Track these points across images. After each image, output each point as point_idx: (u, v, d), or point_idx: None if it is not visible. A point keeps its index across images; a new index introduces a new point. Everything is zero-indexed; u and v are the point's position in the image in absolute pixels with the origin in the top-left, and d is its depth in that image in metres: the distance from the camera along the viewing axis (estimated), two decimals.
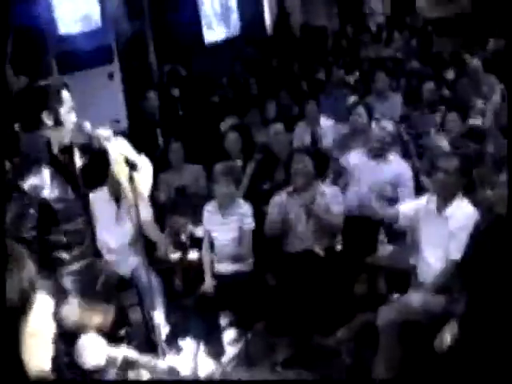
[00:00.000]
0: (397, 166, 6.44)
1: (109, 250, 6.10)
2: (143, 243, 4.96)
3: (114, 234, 6.13)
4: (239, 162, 7.14)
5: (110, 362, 2.35)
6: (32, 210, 3.85)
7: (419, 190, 6.33)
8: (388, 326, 4.82)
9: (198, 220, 6.48)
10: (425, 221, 5.20)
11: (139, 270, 5.98)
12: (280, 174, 6.98)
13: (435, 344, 4.51)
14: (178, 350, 5.76)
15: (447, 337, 4.48)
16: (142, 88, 9.13)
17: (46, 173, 3.93)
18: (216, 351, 5.70)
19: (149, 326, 5.75)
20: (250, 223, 5.94)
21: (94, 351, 2.33)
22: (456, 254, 4.84)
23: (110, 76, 8.90)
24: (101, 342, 2.32)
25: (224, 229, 5.98)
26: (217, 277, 5.90)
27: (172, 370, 2.43)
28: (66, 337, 2.64)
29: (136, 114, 9.08)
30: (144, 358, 2.42)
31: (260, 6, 15.75)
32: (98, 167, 4.12)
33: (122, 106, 9.18)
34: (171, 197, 7.27)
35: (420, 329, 4.76)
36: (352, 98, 9.06)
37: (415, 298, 4.89)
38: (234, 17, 14.12)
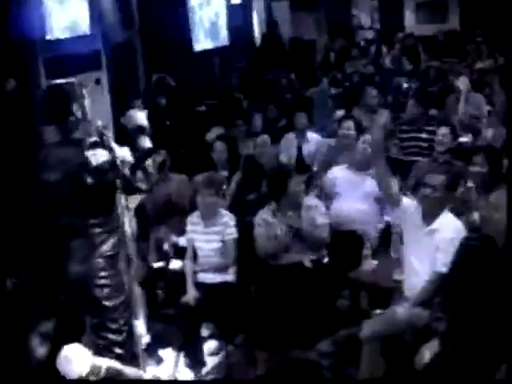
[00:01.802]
0: None
1: None
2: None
3: None
4: (225, 173, 7.12)
5: (94, 371, 2.31)
6: None
7: None
8: (371, 338, 4.81)
9: (181, 230, 6.46)
10: (411, 234, 5.19)
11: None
12: (266, 186, 6.96)
13: (415, 359, 4.49)
14: (159, 360, 5.71)
15: (427, 353, 4.46)
16: (129, 95, 9.12)
17: None
18: (196, 362, 5.65)
19: (129, 336, 5.70)
20: (232, 233, 5.92)
21: (77, 361, 2.29)
22: (442, 267, 4.84)
23: (97, 82, 8.87)
24: (84, 351, 2.28)
25: (207, 239, 5.97)
26: (199, 287, 5.86)
27: (155, 382, 2.39)
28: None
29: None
30: (128, 369, 2.38)
31: (249, 17, 15.79)
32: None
33: (109, 113, 9.16)
34: (154, 206, 7.23)
35: (402, 343, 4.74)
36: (339, 112, 9.06)
37: (400, 311, 4.89)
38: (223, 28, 14.13)
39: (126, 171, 4.64)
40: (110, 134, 4.78)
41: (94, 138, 4.52)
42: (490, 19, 14.99)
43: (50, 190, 4.55)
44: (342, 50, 14.85)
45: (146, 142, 4.80)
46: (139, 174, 5.29)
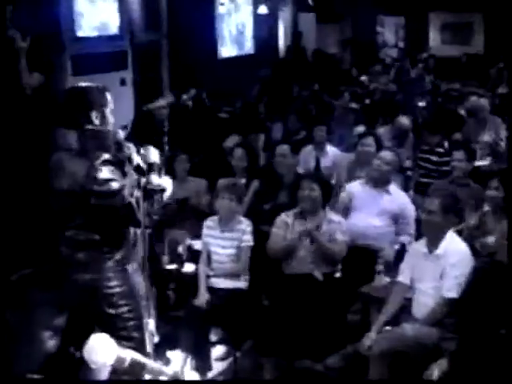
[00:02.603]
0: (398, 198, 6.47)
1: None
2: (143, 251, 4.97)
3: None
4: (243, 180, 7.17)
5: (119, 362, 2.36)
6: None
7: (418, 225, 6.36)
8: (379, 355, 4.83)
9: (196, 233, 6.50)
10: (417, 260, 5.22)
11: (135, 277, 5.97)
12: (283, 196, 7.02)
13: (423, 377, 4.52)
14: (167, 361, 5.74)
15: (436, 371, 4.48)
16: (153, 97, 9.18)
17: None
18: (203, 366, 5.68)
19: (140, 342, 5.75)
20: (248, 241, 5.96)
21: (104, 350, 2.35)
22: (448, 292, 4.88)
23: (123, 82, 8.94)
24: (111, 341, 2.33)
25: (222, 244, 6.00)
26: (211, 291, 5.90)
27: (176, 378, 2.44)
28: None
29: (144, 121, 9.11)
30: (151, 363, 2.43)
31: (274, 28, 15.86)
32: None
33: (131, 113, 9.23)
34: (171, 208, 7.28)
35: (410, 360, 4.76)
36: (360, 128, 9.10)
37: (408, 329, 4.91)
38: (249, 36, 14.22)
39: (132, 200, 4.24)
40: (129, 152, 4.37)
41: (107, 156, 4.14)
42: None
43: (56, 199, 4.32)
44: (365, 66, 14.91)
45: (157, 180, 4.46)
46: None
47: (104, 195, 4.07)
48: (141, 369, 2.40)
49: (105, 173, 4.06)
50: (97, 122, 4.23)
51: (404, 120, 8.94)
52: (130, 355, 2.38)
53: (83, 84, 4.39)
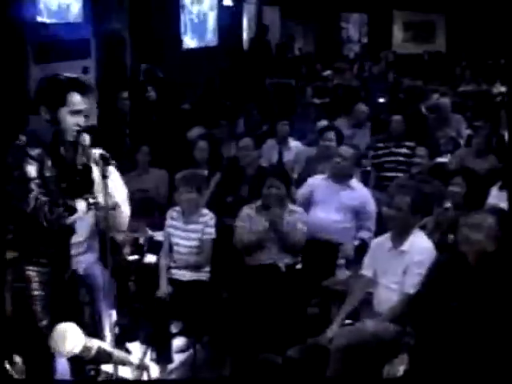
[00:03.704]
0: (360, 194, 6.50)
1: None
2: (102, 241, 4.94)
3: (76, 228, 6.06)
4: (205, 172, 7.15)
5: (85, 351, 2.34)
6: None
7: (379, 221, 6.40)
8: (340, 349, 4.85)
9: (156, 224, 6.48)
10: (381, 254, 5.24)
11: (93, 268, 5.94)
12: (245, 189, 7.02)
13: (384, 372, 4.54)
14: (126, 352, 5.70)
15: (396, 367, 4.51)
16: (116, 86, 9.12)
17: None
18: (164, 358, 5.66)
19: (98, 326, 5.71)
20: (211, 233, 5.95)
21: (71, 340, 2.32)
22: (411, 289, 4.91)
23: (85, 70, 8.86)
24: (78, 331, 2.31)
25: (185, 236, 5.98)
26: (172, 283, 5.88)
27: (142, 367, 2.42)
28: None
29: (106, 111, 9.06)
30: (117, 352, 2.41)
31: (238, 20, 15.83)
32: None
33: (94, 102, 9.16)
34: (132, 199, 7.23)
35: (370, 355, 4.79)
36: (322, 123, 9.14)
37: (369, 324, 4.93)
38: (212, 27, 14.17)
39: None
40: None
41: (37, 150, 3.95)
42: (475, 43, 15.24)
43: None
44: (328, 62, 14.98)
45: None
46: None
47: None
48: (107, 357, 2.38)
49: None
50: (46, 116, 4.03)
51: (362, 107, 9.03)
52: (96, 344, 2.36)
53: (63, 74, 4.09)
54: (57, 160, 4.04)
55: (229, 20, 14.81)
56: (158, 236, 6.35)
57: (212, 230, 5.96)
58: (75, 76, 4.08)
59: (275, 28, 16.74)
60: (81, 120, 4.02)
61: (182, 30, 12.88)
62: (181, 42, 12.66)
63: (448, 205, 5.91)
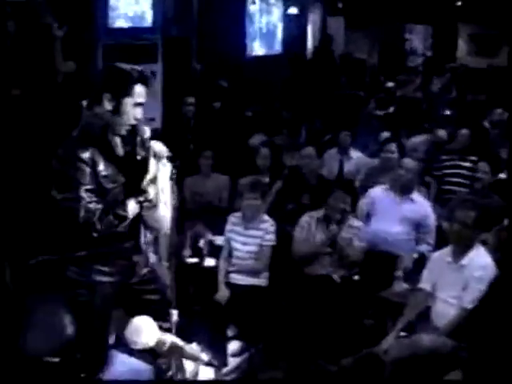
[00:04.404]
0: (421, 207, 6.49)
1: None
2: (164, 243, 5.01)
3: None
4: (267, 179, 7.22)
5: (160, 345, 2.42)
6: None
7: (439, 235, 6.39)
8: (394, 361, 4.87)
9: (216, 229, 6.56)
10: (440, 268, 5.25)
11: (157, 268, 6.04)
12: (306, 197, 7.06)
13: None
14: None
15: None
16: (182, 92, 9.25)
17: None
18: (218, 361, 5.73)
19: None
20: (271, 240, 6.03)
21: (146, 332, 2.40)
22: (470, 304, 4.90)
23: (152, 75, 8.99)
24: (153, 324, 2.38)
25: (245, 241, 6.06)
26: (230, 287, 5.96)
27: (211, 364, 2.49)
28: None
29: (172, 115, 9.19)
30: (188, 347, 2.48)
31: (303, 29, 15.88)
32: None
33: (159, 106, 9.30)
34: (193, 202, 7.37)
35: (424, 369, 4.79)
36: (385, 134, 9.13)
37: (425, 338, 4.94)
38: (278, 37, 14.27)
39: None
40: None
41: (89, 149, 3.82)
42: None
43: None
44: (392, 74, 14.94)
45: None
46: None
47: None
48: (179, 352, 2.46)
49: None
50: (108, 107, 3.87)
51: (442, 133, 8.95)
52: (170, 338, 2.44)
53: (121, 64, 3.98)
54: (112, 155, 3.93)
55: (294, 29, 14.90)
56: (218, 240, 6.44)
57: (272, 237, 6.03)
58: (140, 68, 3.99)
59: (339, 38, 16.76)
60: (140, 112, 3.92)
61: (249, 38, 12.98)
62: (246, 49, 12.76)
63: (506, 223, 5.88)
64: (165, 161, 4.01)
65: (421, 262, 5.80)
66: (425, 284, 5.29)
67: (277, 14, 14.36)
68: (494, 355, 4.40)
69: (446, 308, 5.06)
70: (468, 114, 11.06)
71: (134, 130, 4.01)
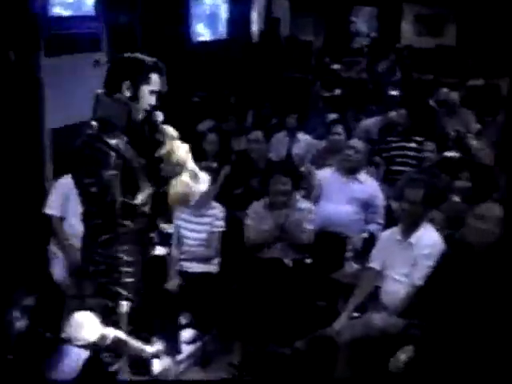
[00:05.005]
0: (369, 187, 6.52)
1: (75, 236, 6.07)
2: None
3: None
4: (215, 164, 7.18)
5: (102, 340, 2.39)
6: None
7: (388, 214, 6.44)
8: (347, 342, 4.90)
9: (166, 217, 6.52)
10: (389, 247, 5.29)
11: None
12: (254, 182, 7.05)
13: (390, 364, 4.59)
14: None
15: (402, 358, 4.56)
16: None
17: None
18: (172, 349, 5.71)
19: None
20: (220, 226, 6.02)
21: (88, 328, 2.37)
22: (419, 281, 4.95)
23: (96, 63, 8.86)
24: (95, 319, 2.35)
25: (194, 228, 6.04)
26: (182, 275, 5.93)
27: (157, 356, 2.47)
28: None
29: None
30: (132, 341, 2.46)
31: (248, 12, 15.81)
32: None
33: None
34: None
35: (377, 348, 4.83)
36: (331, 116, 9.16)
37: (376, 318, 4.98)
38: (223, 21, 14.18)
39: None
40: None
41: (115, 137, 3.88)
42: (485, 37, 15.20)
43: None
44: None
45: None
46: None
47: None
48: (123, 346, 2.43)
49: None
50: (127, 94, 4.02)
51: (393, 114, 8.98)
52: (112, 333, 2.41)
53: (137, 54, 4.19)
54: (133, 139, 4.03)
55: (239, 13, 14.82)
56: (168, 228, 6.39)
57: (222, 223, 6.02)
58: (155, 59, 4.18)
59: (285, 21, 16.73)
60: (154, 100, 4.10)
61: (194, 23, 12.88)
62: (191, 35, 12.66)
63: (455, 198, 5.95)
64: (178, 142, 4.12)
65: (370, 241, 5.84)
66: (374, 263, 5.33)
67: None
68: (445, 331, 4.46)
69: (396, 286, 5.11)
70: (414, 94, 11.14)
71: (149, 116, 4.13)
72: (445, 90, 10.50)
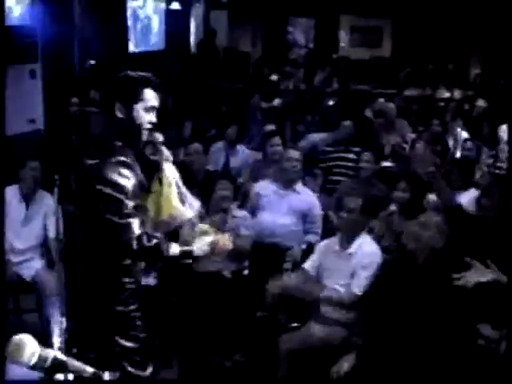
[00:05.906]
0: (306, 197, 6.56)
1: (13, 251, 6.01)
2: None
3: (20, 235, 6.06)
4: None
5: (41, 361, 2.37)
6: None
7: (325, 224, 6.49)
8: (289, 354, 4.93)
9: None
10: (328, 257, 5.33)
11: (41, 275, 5.95)
12: (194, 193, 7.02)
13: (332, 371, 4.63)
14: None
15: (345, 365, 4.62)
16: (63, 91, 9.05)
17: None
18: (113, 364, 5.64)
19: (45, 332, 5.72)
20: None
21: (28, 350, 2.35)
22: (357, 289, 5.01)
23: (32, 74, 8.78)
24: (34, 342, 2.33)
25: None
26: None
27: (97, 375, 2.45)
28: None
29: (54, 115, 8.99)
30: (73, 361, 2.44)
31: (186, 23, 15.82)
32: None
33: (40, 106, 9.06)
34: None
35: (319, 358, 4.87)
36: (269, 127, 9.19)
37: (317, 330, 5.02)
38: (161, 32, 14.16)
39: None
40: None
41: (122, 157, 3.77)
42: (421, 48, 15.49)
43: None
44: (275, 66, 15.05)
45: None
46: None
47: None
48: (62, 367, 2.42)
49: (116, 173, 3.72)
50: (119, 115, 3.84)
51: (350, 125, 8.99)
52: (52, 353, 2.39)
53: (126, 72, 3.95)
54: (144, 163, 3.97)
55: (176, 24, 14.81)
56: None
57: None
58: (147, 74, 3.97)
59: (223, 32, 16.76)
60: (153, 117, 3.88)
61: (131, 34, 12.84)
62: (129, 46, 12.62)
63: (393, 208, 6.04)
64: (170, 164, 4.15)
65: (309, 252, 5.88)
66: (308, 266, 5.37)
67: (159, 9, 14.25)
68: (387, 337, 4.52)
69: (335, 296, 5.15)
70: (350, 104, 11.26)
71: (150, 136, 4.03)
72: (381, 100, 10.64)
